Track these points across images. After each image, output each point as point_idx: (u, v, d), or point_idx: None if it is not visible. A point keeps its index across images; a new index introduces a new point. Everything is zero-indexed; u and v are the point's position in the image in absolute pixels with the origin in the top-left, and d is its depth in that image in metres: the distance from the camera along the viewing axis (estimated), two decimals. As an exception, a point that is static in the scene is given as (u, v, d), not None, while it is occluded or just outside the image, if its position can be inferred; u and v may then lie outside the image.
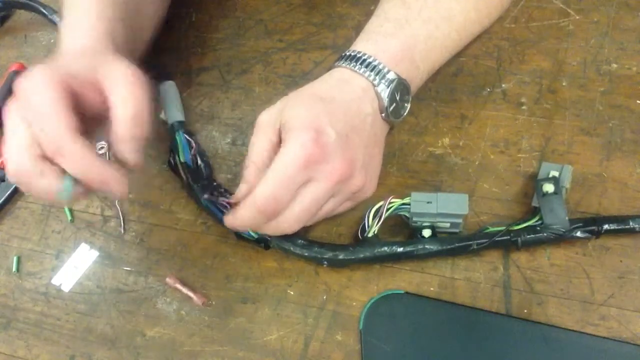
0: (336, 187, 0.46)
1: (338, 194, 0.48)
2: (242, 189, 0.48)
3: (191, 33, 0.68)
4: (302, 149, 0.44)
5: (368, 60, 0.49)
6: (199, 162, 0.57)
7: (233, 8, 0.69)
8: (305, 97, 0.48)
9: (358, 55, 0.49)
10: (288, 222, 0.47)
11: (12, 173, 0.43)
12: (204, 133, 0.61)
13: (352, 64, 0.49)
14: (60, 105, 0.42)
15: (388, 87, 0.48)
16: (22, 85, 0.44)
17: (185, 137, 0.57)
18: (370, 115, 0.48)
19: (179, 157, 0.56)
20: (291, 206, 0.46)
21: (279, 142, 0.47)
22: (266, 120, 0.48)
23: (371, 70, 0.48)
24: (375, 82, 0.48)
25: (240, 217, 0.46)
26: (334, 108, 0.47)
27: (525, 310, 0.47)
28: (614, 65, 0.56)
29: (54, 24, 0.69)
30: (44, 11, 0.70)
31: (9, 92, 0.67)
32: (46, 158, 0.43)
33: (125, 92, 0.44)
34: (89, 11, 0.51)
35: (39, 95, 0.43)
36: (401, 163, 0.55)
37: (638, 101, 0.54)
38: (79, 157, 0.42)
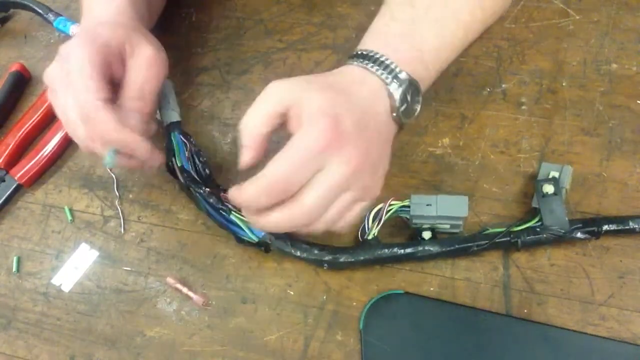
0: (350, 178, 0.44)
1: (350, 189, 0.45)
2: (245, 154, 0.46)
3: (191, 33, 0.68)
4: (320, 133, 0.43)
5: (381, 59, 0.47)
6: (197, 163, 0.56)
7: (233, 8, 0.69)
8: (323, 85, 0.47)
9: (370, 54, 0.48)
10: (301, 210, 0.44)
11: (71, 135, 0.49)
12: (204, 133, 0.61)
13: (364, 62, 0.48)
14: (92, 73, 0.46)
15: (400, 86, 0.47)
16: (62, 51, 0.48)
17: (181, 138, 0.56)
18: (382, 114, 0.48)
19: (176, 160, 0.55)
20: (305, 192, 0.44)
21: (283, 114, 0.46)
22: (277, 90, 0.46)
23: (384, 69, 0.47)
24: (388, 81, 0.47)
25: (246, 193, 0.44)
26: (350, 101, 0.46)
27: (525, 310, 0.47)
28: (614, 65, 0.56)
29: (49, 23, 0.69)
30: (39, 10, 0.70)
31: (9, 92, 0.67)
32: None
33: (140, 68, 0.50)
34: None
35: (75, 63, 0.47)
36: (401, 163, 0.55)
37: (638, 101, 0.54)
38: (102, 123, 0.46)
